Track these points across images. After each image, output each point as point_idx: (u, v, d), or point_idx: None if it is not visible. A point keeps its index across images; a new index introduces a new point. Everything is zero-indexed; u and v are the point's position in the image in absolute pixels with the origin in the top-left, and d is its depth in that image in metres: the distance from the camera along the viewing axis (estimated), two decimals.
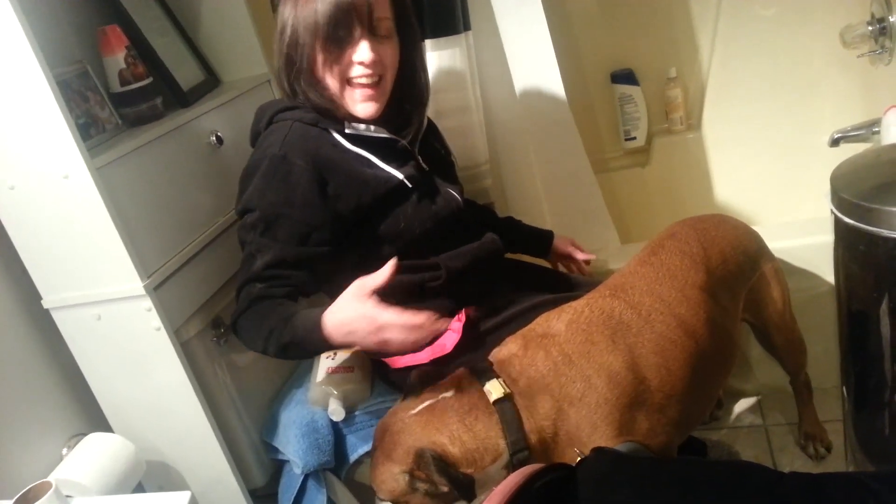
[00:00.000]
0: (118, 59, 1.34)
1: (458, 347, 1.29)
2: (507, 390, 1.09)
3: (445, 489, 1.03)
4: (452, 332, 1.29)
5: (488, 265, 1.36)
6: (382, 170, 1.25)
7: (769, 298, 1.41)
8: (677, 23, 2.19)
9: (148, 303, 1.22)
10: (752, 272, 1.37)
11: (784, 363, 1.53)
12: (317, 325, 1.11)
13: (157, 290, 1.23)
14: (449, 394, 1.11)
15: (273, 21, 1.74)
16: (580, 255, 1.59)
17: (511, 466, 1.05)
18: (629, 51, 2.25)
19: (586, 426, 1.09)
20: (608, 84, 2.28)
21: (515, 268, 1.51)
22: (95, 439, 1.28)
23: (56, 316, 1.27)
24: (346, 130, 1.25)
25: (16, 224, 1.21)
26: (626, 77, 2.25)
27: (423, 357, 1.30)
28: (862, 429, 1.35)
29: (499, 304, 1.35)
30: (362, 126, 1.26)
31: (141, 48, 1.43)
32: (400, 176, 1.26)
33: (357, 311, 1.08)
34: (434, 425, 1.07)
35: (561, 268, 1.63)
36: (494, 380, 1.10)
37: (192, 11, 1.63)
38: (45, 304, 1.26)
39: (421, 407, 1.10)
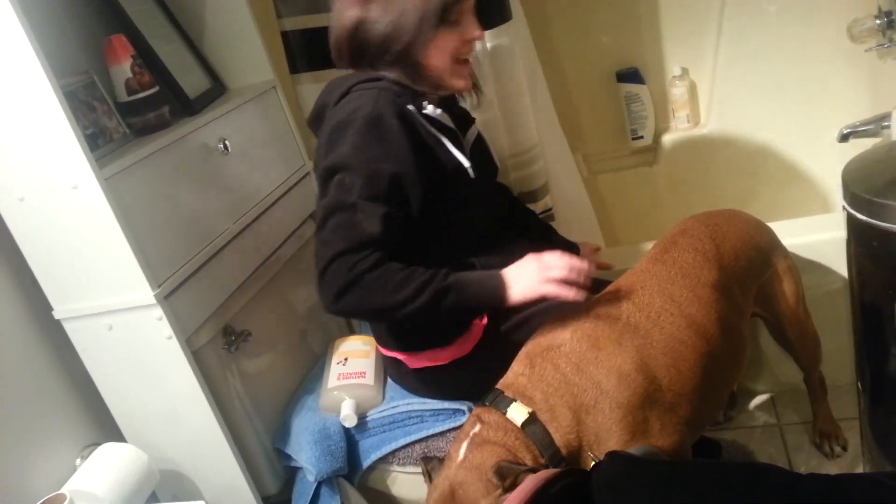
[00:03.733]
0: (124, 68, 1.34)
1: (478, 348, 1.30)
2: (530, 409, 1.08)
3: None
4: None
5: None
6: (451, 153, 1.26)
7: (782, 293, 1.40)
8: (682, 20, 2.18)
9: (159, 312, 1.22)
10: (764, 267, 1.36)
11: (798, 359, 1.52)
12: (495, 274, 1.19)
13: (167, 298, 1.23)
14: (477, 428, 1.09)
15: (276, 26, 1.74)
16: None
17: None
18: (634, 49, 2.25)
19: (603, 431, 1.08)
20: (614, 83, 2.28)
21: None
22: (109, 449, 1.28)
23: (67, 326, 1.28)
24: (424, 111, 1.24)
25: (26, 235, 1.21)
26: (631, 76, 2.25)
27: (444, 358, 1.30)
28: (878, 426, 1.34)
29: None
30: (438, 111, 1.27)
31: (147, 57, 1.43)
32: (466, 163, 1.26)
33: (527, 260, 1.19)
34: (484, 456, 1.04)
35: None
36: (514, 403, 1.09)
37: (196, 19, 1.63)
38: (57, 314, 1.26)
39: (462, 452, 1.06)
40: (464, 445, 1.07)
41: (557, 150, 1.87)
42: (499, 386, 1.15)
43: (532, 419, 1.07)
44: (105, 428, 1.37)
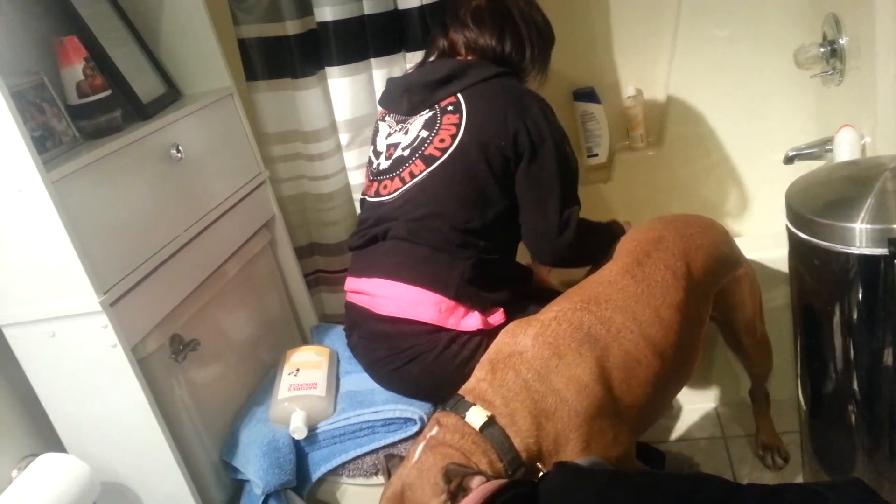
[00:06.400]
0: (76, 70, 1.32)
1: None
2: (489, 413, 1.09)
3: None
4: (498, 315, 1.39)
5: None
6: None
7: (741, 301, 1.43)
8: (637, 43, 2.24)
9: (104, 319, 1.19)
10: (724, 275, 1.39)
11: (750, 367, 1.55)
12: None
13: (113, 306, 1.20)
14: (434, 431, 1.09)
15: (233, 33, 1.73)
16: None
17: None
18: (591, 69, 2.29)
19: (561, 438, 1.10)
20: (570, 102, 2.32)
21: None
22: (48, 460, 1.24)
23: (8, 333, 1.24)
24: None
25: None
26: (587, 95, 2.29)
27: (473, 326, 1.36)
28: (817, 439, 1.38)
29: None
30: None
31: (100, 60, 1.40)
32: None
33: None
34: (436, 458, 1.04)
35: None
36: (474, 407, 1.10)
37: (152, 23, 1.61)
38: None
39: (417, 454, 1.07)
40: (420, 447, 1.08)
41: None
42: (460, 391, 1.16)
43: (491, 422, 1.08)
44: (44, 438, 1.33)
